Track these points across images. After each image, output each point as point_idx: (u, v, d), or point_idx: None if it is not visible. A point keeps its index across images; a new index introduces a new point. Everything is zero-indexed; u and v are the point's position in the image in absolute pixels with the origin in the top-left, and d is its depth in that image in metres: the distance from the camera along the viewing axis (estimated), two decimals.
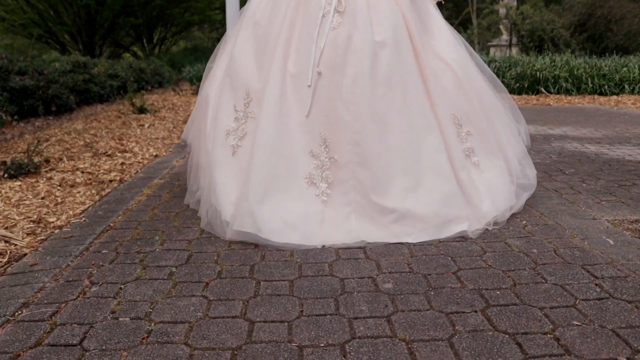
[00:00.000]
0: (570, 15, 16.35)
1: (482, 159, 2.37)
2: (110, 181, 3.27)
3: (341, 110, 2.17)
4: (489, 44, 15.65)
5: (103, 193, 3.01)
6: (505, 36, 15.09)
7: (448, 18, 22.27)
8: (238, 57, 2.39)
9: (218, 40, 22.57)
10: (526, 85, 8.97)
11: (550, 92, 8.86)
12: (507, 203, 2.31)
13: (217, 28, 28.17)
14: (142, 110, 6.31)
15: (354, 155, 2.15)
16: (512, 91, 9.06)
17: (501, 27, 15.31)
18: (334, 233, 2.06)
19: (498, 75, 9.21)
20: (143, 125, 5.38)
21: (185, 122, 5.68)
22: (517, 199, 2.41)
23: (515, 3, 15.30)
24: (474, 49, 15.58)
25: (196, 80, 11.73)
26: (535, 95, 8.85)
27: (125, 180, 3.29)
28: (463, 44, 2.61)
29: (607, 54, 11.86)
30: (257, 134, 2.17)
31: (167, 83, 11.93)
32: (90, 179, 3.28)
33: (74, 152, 4.04)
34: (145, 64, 11.39)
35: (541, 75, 8.94)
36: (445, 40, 2.51)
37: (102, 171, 3.49)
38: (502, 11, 15.08)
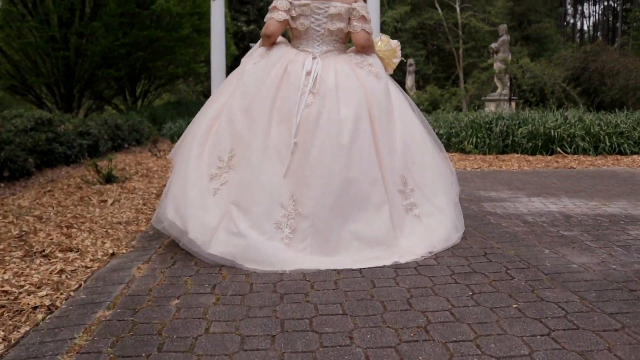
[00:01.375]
0: (563, 69, 15.79)
1: (424, 209, 2.87)
2: (35, 308, 2.17)
3: (307, 173, 2.66)
4: (484, 98, 14.91)
5: (12, 337, 1.90)
6: (500, 90, 14.36)
7: (434, 72, 21.69)
8: (226, 117, 2.84)
9: (203, 93, 21.69)
10: (540, 144, 8.08)
11: (567, 153, 7.97)
12: (444, 244, 2.82)
13: (202, 81, 27.42)
14: (109, 178, 5.24)
15: (314, 209, 2.61)
16: (524, 151, 8.16)
17: (496, 81, 14.61)
18: (293, 265, 2.49)
19: (508, 134, 8.35)
20: (105, 201, 4.29)
21: (158, 196, 4.63)
22: (451, 238, 2.90)
23: (510, 56, 14.66)
24: (462, 106, 14.80)
25: (177, 138, 10.74)
26: (551, 155, 7.95)
27: (57, 307, 2.19)
28: (412, 109, 3.12)
29: (617, 110, 11.09)
30: (236, 184, 2.69)
31: (146, 140, 10.89)
32: (3, 306, 2.18)
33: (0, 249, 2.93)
34: (122, 120, 10.37)
35: (555, 133, 8.06)
36: (397, 110, 2.97)
37: (27, 287, 2.38)
38: (498, 65, 14.40)
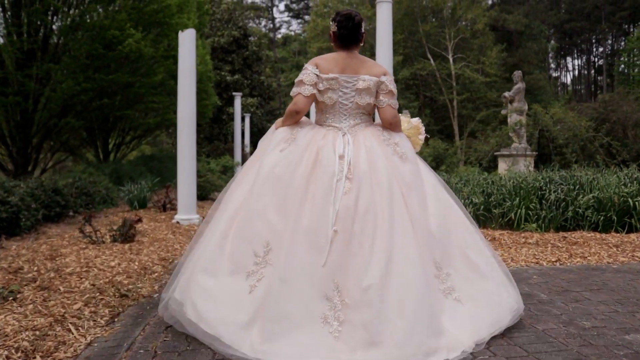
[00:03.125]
0: (581, 120, 13.89)
1: (464, 292, 2.62)
2: None
3: (350, 260, 2.46)
4: (497, 153, 12.88)
5: None
6: (517, 144, 12.33)
7: (428, 125, 19.71)
8: (258, 210, 2.61)
9: None
10: (614, 218, 5.91)
11: None
12: (492, 328, 2.55)
13: None
14: None
15: (361, 298, 2.38)
16: (591, 226, 5.98)
17: (511, 134, 12.62)
18: None
19: (567, 204, 6.17)
20: None
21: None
22: (502, 320, 2.63)
23: (525, 106, 12.71)
24: (459, 162, 12.95)
25: (138, 205, 8.40)
26: (633, 232, 5.77)
27: None
28: (444, 188, 2.94)
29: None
30: (274, 280, 2.43)
31: (100, 205, 8.55)
32: None
33: None
34: (65, 182, 8.07)
35: (636, 203, 5.91)
36: (429, 190, 2.79)
37: None
38: (514, 116, 12.42)
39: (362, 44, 2.85)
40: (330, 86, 2.76)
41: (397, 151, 2.75)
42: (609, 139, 10.80)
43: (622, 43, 44.13)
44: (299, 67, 38.21)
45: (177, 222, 6.72)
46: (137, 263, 4.18)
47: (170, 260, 4.39)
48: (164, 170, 13.66)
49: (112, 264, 4.11)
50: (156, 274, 3.93)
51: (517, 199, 6.32)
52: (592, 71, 49.57)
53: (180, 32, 7.01)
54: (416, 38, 26.52)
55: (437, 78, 25.84)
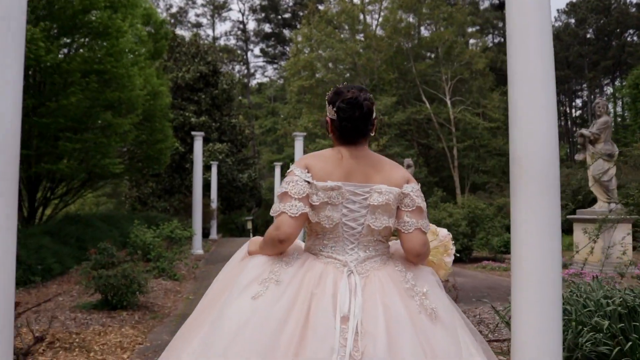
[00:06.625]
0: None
1: None
2: None
3: None
4: (571, 217, 8.68)
5: None
6: (605, 204, 8.14)
7: (425, 176, 15.09)
8: None
9: (139, 199, 13.92)
10: None
11: None
12: None
13: (140, 184, 20.61)
14: None
15: None
16: None
17: (592, 187, 8.47)
18: None
19: None
20: None
21: None
22: None
23: (616, 150, 8.57)
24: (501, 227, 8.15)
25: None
26: None
27: None
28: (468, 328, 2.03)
29: None
30: None
31: None
32: None
33: None
34: None
35: None
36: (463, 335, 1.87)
37: None
38: (601, 165, 8.25)
39: (373, 134, 1.87)
40: (329, 200, 1.76)
41: (424, 306, 1.73)
42: None
43: (608, 91, 41.81)
44: (274, 114, 34.13)
45: None
46: None
47: None
48: (87, 239, 8.98)
49: None
50: None
51: None
52: (569, 122, 47.25)
53: None
54: (409, 78, 22.77)
55: (433, 123, 21.94)
